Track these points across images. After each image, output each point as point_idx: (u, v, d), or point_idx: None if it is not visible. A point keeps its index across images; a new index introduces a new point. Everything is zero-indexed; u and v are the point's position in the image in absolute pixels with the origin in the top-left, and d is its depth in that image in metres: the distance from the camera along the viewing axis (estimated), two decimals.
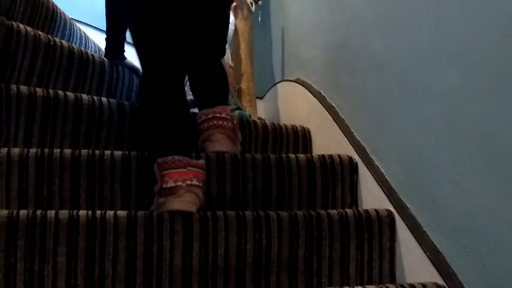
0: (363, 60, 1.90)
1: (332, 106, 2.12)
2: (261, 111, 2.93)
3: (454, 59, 1.39)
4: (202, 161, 1.61)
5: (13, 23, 1.86)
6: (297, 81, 2.49)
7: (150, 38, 1.72)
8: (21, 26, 1.88)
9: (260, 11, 2.98)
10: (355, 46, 1.97)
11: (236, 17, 2.76)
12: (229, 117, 1.85)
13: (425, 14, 1.53)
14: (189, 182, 1.52)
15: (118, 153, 1.68)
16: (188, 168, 1.54)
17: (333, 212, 1.61)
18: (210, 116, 1.83)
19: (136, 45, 1.77)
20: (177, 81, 1.71)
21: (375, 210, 1.64)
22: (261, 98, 2.97)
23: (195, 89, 1.96)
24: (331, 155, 1.88)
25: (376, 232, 1.60)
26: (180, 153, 1.56)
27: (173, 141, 1.60)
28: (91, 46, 2.63)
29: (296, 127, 2.26)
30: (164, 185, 1.52)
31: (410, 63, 1.60)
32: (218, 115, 1.83)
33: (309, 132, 2.27)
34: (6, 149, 1.61)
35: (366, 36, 1.88)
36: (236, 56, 2.68)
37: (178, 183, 1.51)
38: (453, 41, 1.40)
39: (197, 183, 1.54)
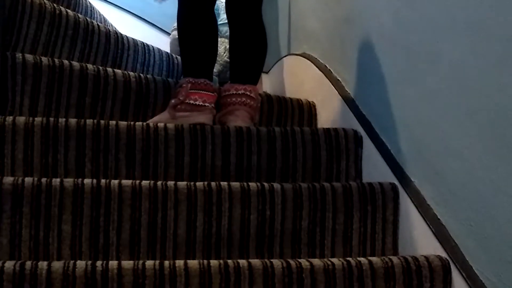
0: (370, 34, 1.88)
1: (338, 79, 2.11)
2: (267, 85, 2.91)
3: (462, 32, 1.38)
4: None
5: None
6: (303, 55, 2.47)
7: None
8: None
9: None
10: (362, 19, 1.95)
11: None
12: (255, 97, 1.94)
13: None
14: (213, 105, 1.85)
15: (123, 123, 1.68)
16: (214, 93, 1.87)
17: (337, 184, 1.61)
18: (240, 92, 1.90)
19: None
20: (211, 5, 1.90)
21: (379, 183, 1.63)
22: (266, 73, 2.95)
23: (235, 55, 2.00)
24: (336, 128, 1.87)
25: (380, 205, 1.60)
26: (210, 78, 1.87)
27: (207, 66, 1.89)
28: (97, 16, 2.62)
29: (301, 100, 2.25)
30: (191, 101, 1.81)
31: (418, 36, 1.58)
32: (248, 93, 1.91)
33: (314, 106, 2.26)
34: (11, 117, 1.61)
35: (374, 9, 1.86)
36: None
37: (206, 104, 1.82)
38: (462, 14, 1.38)
39: (214, 106, 1.87)
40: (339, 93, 2.06)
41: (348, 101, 1.99)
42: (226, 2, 2.02)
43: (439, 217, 1.43)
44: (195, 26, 1.88)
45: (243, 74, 1.97)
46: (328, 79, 2.17)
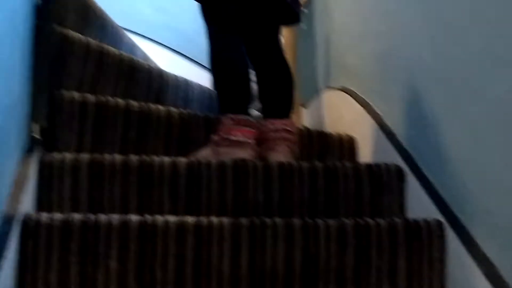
0: (411, 67, 1.88)
1: (378, 114, 2.10)
2: (306, 119, 2.92)
3: (505, 64, 1.36)
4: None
5: (65, 30, 1.91)
6: (342, 89, 2.48)
7: (216, 13, 1.97)
8: (72, 33, 1.93)
9: (305, 19, 2.97)
10: (402, 53, 1.95)
11: None
12: (293, 130, 1.98)
13: (473, 18, 1.50)
14: (254, 141, 1.86)
15: (166, 159, 1.70)
16: (255, 129, 1.89)
17: (382, 221, 1.59)
18: (278, 127, 1.94)
19: (204, 17, 2.01)
20: (239, 47, 1.96)
21: (424, 220, 1.61)
22: (305, 107, 2.96)
23: (264, 93, 2.05)
24: (378, 163, 1.86)
25: (426, 243, 1.57)
26: (247, 114, 1.91)
27: (244, 103, 1.92)
28: (139, 53, 2.68)
29: (341, 135, 2.25)
30: (233, 138, 1.83)
31: (460, 70, 1.57)
32: (286, 127, 1.95)
33: (354, 140, 2.25)
34: (59, 154, 1.65)
35: (414, 43, 1.86)
36: None
37: (248, 140, 1.84)
38: (503, 46, 1.37)
39: (255, 142, 1.88)
40: (379, 127, 2.05)
41: (389, 135, 1.98)
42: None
43: (488, 256, 1.40)
44: (227, 66, 1.93)
45: (276, 109, 2.01)
46: (368, 113, 2.16)
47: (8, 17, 1.31)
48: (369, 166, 1.84)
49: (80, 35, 1.96)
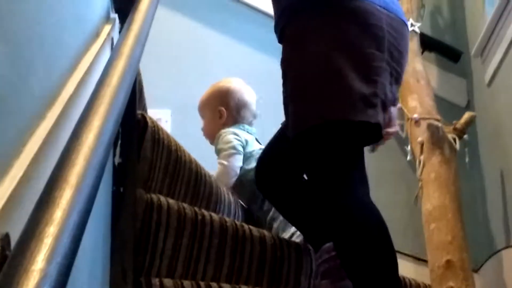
0: None
1: None
2: None
3: None
4: None
5: (153, 196, 1.91)
6: None
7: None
8: (162, 199, 1.93)
9: (466, 149, 2.88)
10: None
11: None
12: None
13: None
14: None
15: None
16: None
17: None
18: None
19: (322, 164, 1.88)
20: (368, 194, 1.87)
21: None
22: (476, 271, 2.83)
23: None
24: None
25: None
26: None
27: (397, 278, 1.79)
28: (240, 213, 2.66)
29: None
30: None
31: None
32: None
33: None
34: None
35: None
36: (439, 216, 2.56)
37: None
38: None
39: None
40: None
41: None
42: None
43: None
44: (369, 228, 1.80)
45: None
46: None
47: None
48: None
49: (171, 200, 1.96)
